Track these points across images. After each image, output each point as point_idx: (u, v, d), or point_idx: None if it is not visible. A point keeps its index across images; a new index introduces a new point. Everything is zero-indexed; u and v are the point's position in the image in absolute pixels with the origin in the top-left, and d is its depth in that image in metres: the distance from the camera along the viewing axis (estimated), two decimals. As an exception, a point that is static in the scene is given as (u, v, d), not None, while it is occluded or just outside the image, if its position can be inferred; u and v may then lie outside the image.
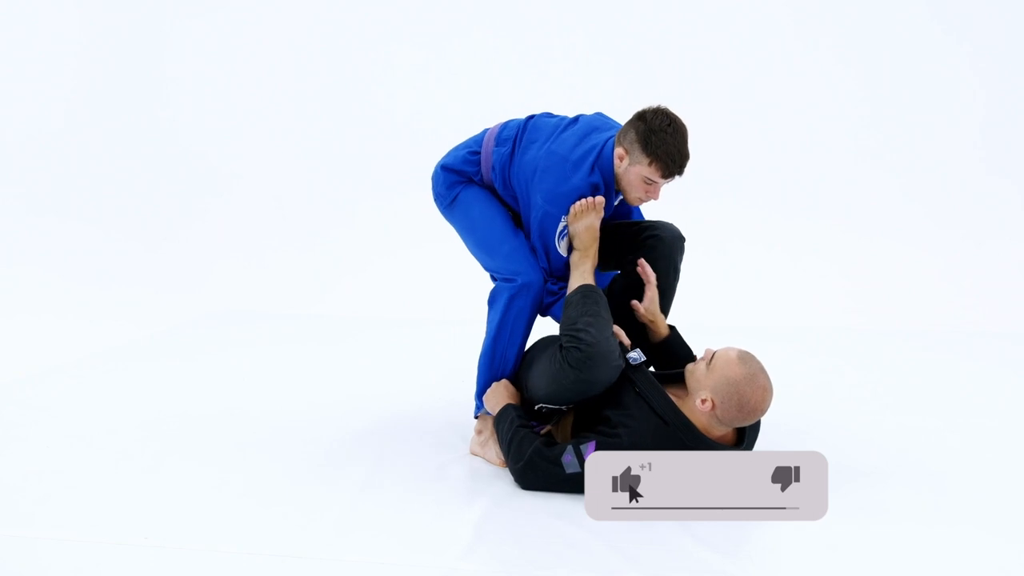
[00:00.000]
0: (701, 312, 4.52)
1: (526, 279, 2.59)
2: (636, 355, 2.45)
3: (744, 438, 2.36)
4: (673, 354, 2.61)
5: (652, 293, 2.62)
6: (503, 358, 2.66)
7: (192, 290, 5.03)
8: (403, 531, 2.14)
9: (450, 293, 4.67)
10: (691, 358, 2.59)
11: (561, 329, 2.43)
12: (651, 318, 2.65)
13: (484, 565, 1.97)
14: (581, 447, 2.29)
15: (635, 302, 2.64)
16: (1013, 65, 4.99)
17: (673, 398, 2.34)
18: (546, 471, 2.32)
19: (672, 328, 2.66)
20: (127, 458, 2.63)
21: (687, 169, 2.45)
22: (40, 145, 5.49)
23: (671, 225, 2.66)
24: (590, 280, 2.55)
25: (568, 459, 2.29)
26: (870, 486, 2.40)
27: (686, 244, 2.67)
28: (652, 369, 2.59)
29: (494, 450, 2.59)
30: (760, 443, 2.68)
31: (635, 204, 2.58)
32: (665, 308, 2.66)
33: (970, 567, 1.97)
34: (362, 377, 3.57)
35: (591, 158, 2.52)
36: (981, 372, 3.66)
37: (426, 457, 2.63)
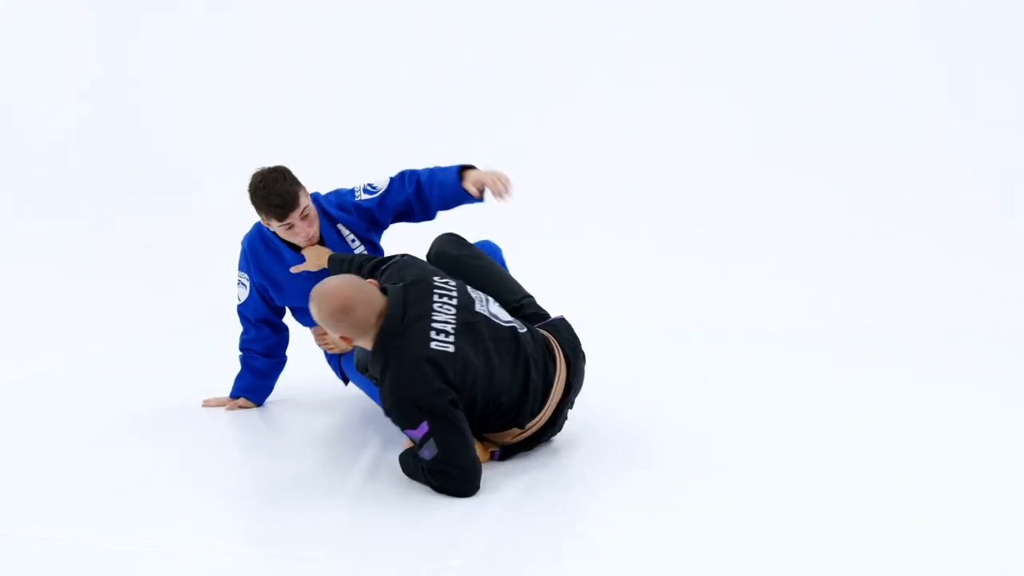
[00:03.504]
0: (701, 312, 4.53)
1: None
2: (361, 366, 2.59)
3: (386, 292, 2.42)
4: (341, 266, 2.83)
5: (306, 251, 2.97)
6: None
7: (192, 290, 5.03)
8: (402, 531, 2.14)
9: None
10: (352, 257, 2.83)
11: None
12: (316, 264, 2.94)
13: (482, 565, 1.97)
14: (416, 442, 2.30)
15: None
16: (1012, 61, 4.98)
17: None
18: (444, 470, 2.28)
19: (331, 254, 2.91)
20: (127, 458, 2.63)
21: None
22: (39, 143, 5.49)
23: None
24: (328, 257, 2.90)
25: (426, 454, 2.28)
26: (866, 486, 2.40)
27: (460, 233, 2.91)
28: None
29: None
30: (760, 442, 2.70)
31: (303, 245, 2.92)
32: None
33: (969, 568, 1.97)
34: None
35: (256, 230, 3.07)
36: (976, 373, 3.65)
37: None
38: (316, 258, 2.93)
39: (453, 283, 2.50)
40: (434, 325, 2.33)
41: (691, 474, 2.46)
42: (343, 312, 2.32)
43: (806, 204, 5.05)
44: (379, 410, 3.09)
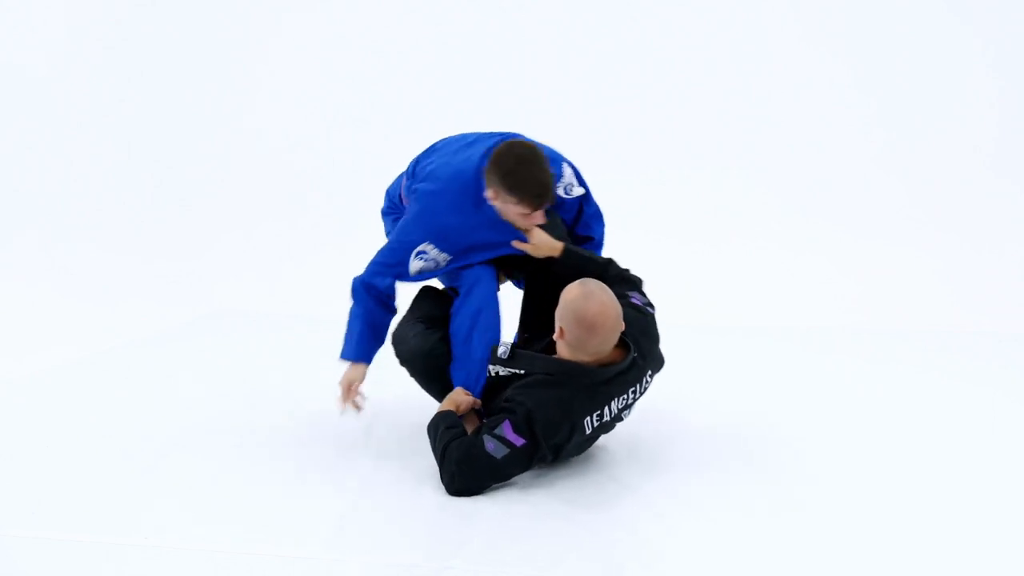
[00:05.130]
0: (702, 312, 4.53)
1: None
2: (503, 349, 2.49)
3: (631, 350, 2.40)
4: (575, 266, 2.60)
5: (535, 232, 2.63)
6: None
7: (192, 290, 5.03)
8: (403, 531, 2.14)
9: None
10: (594, 260, 2.66)
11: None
12: (545, 252, 2.63)
13: (482, 564, 1.97)
14: (496, 431, 2.31)
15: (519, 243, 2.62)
16: (1016, 63, 4.99)
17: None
18: (479, 466, 2.30)
19: (566, 244, 2.64)
20: (127, 458, 2.63)
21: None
22: (39, 142, 5.49)
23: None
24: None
25: (491, 446, 2.30)
26: (868, 486, 2.40)
27: None
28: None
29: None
30: (760, 443, 2.70)
31: (524, 231, 2.61)
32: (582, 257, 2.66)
33: (970, 568, 1.97)
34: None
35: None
36: (978, 373, 3.65)
37: (425, 457, 2.63)
38: (547, 246, 2.64)
39: (648, 384, 2.51)
40: (606, 407, 2.39)
41: (691, 474, 2.47)
42: (590, 328, 2.31)
43: (807, 204, 5.06)
44: (381, 412, 3.09)
